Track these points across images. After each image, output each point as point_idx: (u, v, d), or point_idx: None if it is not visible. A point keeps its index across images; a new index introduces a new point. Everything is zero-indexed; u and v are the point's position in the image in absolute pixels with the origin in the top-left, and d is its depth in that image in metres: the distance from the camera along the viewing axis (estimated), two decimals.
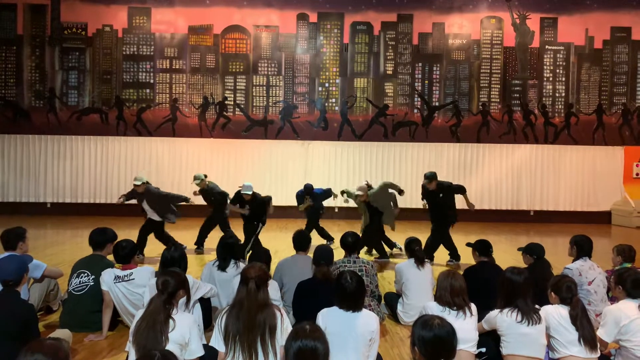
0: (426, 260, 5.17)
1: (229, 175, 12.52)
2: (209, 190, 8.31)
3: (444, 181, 7.94)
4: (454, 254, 7.80)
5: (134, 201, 7.96)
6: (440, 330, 2.36)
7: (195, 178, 8.34)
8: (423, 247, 6.74)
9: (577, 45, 13.46)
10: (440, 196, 7.68)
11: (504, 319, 3.48)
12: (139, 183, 7.65)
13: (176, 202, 7.96)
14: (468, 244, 5.35)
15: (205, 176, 8.43)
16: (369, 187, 8.10)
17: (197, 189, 8.46)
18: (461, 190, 7.89)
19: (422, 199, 8.10)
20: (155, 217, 7.81)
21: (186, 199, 8.03)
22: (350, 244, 5.04)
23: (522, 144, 13.42)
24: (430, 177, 7.66)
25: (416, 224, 10.92)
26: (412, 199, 13.01)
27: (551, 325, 3.45)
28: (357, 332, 3.11)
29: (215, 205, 8.37)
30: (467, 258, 6.81)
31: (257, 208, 7.77)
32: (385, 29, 13.37)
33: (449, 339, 2.36)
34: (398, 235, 9.40)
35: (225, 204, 8.22)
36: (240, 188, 7.79)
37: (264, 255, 4.64)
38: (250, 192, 7.66)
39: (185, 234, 10.12)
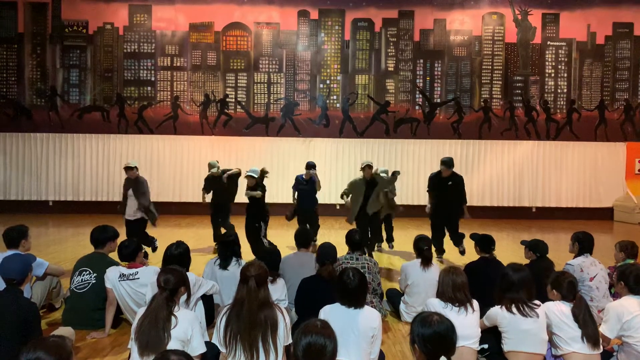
0: (437, 260, 5.10)
1: None
2: (221, 177, 8.20)
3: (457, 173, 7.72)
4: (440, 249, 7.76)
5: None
6: (440, 327, 2.34)
7: (212, 166, 8.30)
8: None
9: (579, 41, 13.41)
10: (449, 184, 7.49)
11: (504, 315, 3.48)
12: (133, 165, 7.29)
13: (149, 208, 7.40)
14: (473, 236, 5.27)
15: (217, 162, 8.51)
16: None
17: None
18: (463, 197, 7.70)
19: (429, 191, 7.83)
20: (132, 214, 7.31)
21: (154, 218, 7.46)
22: (357, 241, 5.02)
23: (523, 140, 13.40)
24: (449, 162, 7.42)
25: (418, 220, 10.91)
26: (414, 196, 13.06)
27: (552, 322, 3.45)
28: (359, 329, 3.11)
29: (223, 193, 8.24)
30: (469, 252, 6.82)
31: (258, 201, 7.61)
32: (386, 26, 13.34)
33: (449, 335, 2.35)
34: (401, 233, 9.41)
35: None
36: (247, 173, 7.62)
37: (272, 256, 4.58)
38: (256, 175, 7.54)
39: (186, 232, 10.15)
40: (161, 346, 2.90)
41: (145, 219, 7.42)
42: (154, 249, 7.52)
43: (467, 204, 7.86)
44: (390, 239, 8.55)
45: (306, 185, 8.40)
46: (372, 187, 7.61)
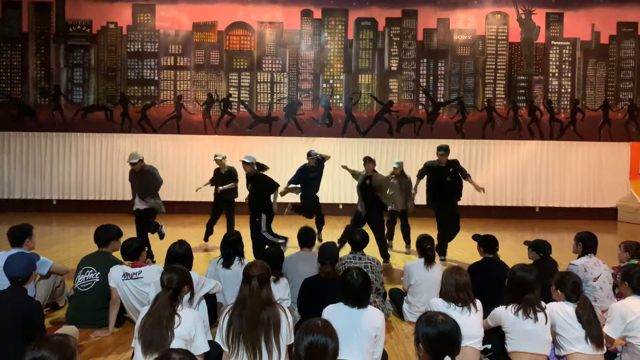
0: (439, 260, 5.10)
1: None
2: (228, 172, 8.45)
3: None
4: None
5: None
6: (445, 327, 2.34)
7: (217, 155, 8.56)
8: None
9: (583, 40, 13.37)
10: (450, 171, 7.25)
11: (508, 316, 3.47)
12: (135, 161, 6.77)
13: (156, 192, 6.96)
14: (475, 237, 5.23)
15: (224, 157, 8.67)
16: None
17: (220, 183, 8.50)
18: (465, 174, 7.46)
19: (418, 180, 7.76)
20: (141, 204, 6.85)
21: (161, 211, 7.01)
22: (359, 241, 5.02)
23: (527, 140, 13.37)
24: (446, 148, 7.26)
25: (422, 221, 10.88)
26: (417, 195, 13.01)
27: (556, 323, 3.44)
28: (362, 329, 3.11)
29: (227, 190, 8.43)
30: (472, 253, 6.80)
31: (259, 189, 6.98)
32: (389, 25, 13.32)
33: (454, 335, 2.35)
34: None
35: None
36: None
37: (275, 256, 4.56)
38: (249, 161, 6.83)
39: (190, 231, 10.16)
40: (164, 345, 2.90)
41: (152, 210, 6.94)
42: (162, 236, 7.03)
43: (471, 204, 7.77)
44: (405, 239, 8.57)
45: (314, 172, 8.53)
46: (370, 186, 7.19)
